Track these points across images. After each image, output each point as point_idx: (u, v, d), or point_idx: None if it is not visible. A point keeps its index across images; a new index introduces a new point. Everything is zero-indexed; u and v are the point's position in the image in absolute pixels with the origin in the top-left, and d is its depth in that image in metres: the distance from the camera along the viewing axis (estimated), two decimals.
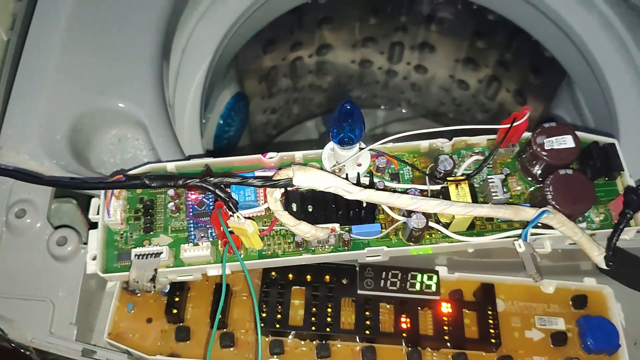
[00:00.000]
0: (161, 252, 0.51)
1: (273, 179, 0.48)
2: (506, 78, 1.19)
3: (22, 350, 0.56)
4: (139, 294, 0.56)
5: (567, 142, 0.53)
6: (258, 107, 1.26)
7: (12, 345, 0.55)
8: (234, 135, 1.07)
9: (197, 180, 0.47)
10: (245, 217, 0.49)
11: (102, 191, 0.53)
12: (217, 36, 0.84)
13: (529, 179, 0.56)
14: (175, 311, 0.54)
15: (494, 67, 1.19)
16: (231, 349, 0.54)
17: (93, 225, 0.54)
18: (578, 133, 0.55)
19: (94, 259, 0.52)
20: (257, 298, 0.55)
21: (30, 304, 0.56)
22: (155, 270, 0.50)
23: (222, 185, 0.49)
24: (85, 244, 0.55)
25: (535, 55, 1.06)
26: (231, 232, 0.49)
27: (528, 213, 0.50)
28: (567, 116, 1.01)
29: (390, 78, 1.32)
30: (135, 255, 0.51)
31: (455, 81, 1.27)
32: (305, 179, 0.47)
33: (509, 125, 0.51)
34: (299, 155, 0.56)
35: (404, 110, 1.40)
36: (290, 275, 0.56)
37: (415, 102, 1.38)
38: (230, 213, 0.48)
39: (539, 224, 0.52)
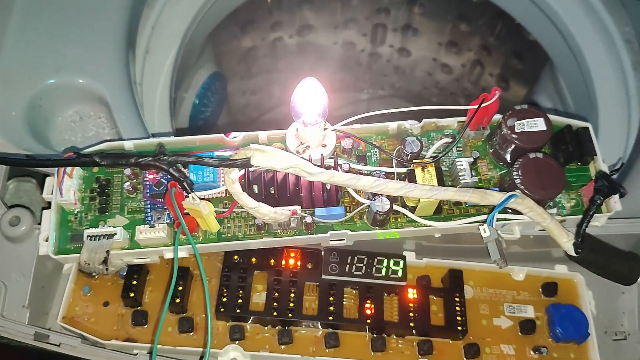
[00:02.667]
0: (114, 234, 0.49)
1: (231, 158, 0.46)
2: (489, 62, 1.17)
3: None
4: (95, 277, 0.54)
5: (538, 125, 0.51)
6: (237, 88, 1.23)
7: None
8: (210, 116, 1.05)
9: (150, 158, 0.45)
10: (201, 198, 0.47)
11: (55, 170, 0.51)
12: (190, 13, 0.82)
13: (500, 163, 0.54)
14: (132, 295, 0.53)
15: (477, 51, 1.17)
16: (190, 333, 0.53)
17: (48, 206, 0.52)
18: (551, 116, 0.53)
19: (47, 240, 0.50)
20: (217, 282, 0.53)
21: None
22: (108, 252, 0.48)
23: (180, 165, 0.47)
24: (40, 224, 0.53)
25: (518, 39, 1.04)
26: (186, 214, 0.47)
27: (495, 197, 0.48)
28: (549, 101, 0.99)
29: (373, 61, 1.29)
30: (87, 236, 0.49)
31: (438, 65, 1.25)
32: (264, 159, 0.45)
33: (476, 106, 0.49)
34: (263, 135, 0.54)
35: (387, 94, 1.38)
36: (253, 259, 0.55)
37: (399, 86, 1.36)
38: (185, 193, 0.46)
39: (509, 209, 0.50)
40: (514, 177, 0.50)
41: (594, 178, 0.52)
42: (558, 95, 0.97)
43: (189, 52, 0.87)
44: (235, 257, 0.55)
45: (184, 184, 0.46)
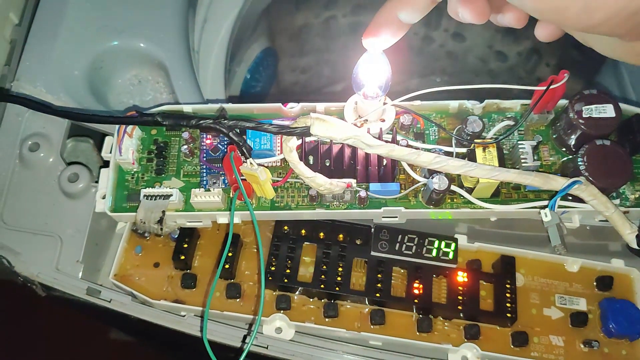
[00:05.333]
0: (171, 195, 0.49)
1: (290, 126, 0.46)
2: (547, 52, 1.14)
3: (29, 285, 0.55)
4: (147, 237, 0.55)
5: (607, 111, 0.49)
6: (288, 65, 1.23)
7: (20, 278, 0.55)
8: (260, 91, 1.05)
9: (211, 121, 0.46)
10: (258, 165, 0.47)
11: (115, 129, 0.51)
12: None
13: (563, 149, 0.53)
14: (182, 257, 0.53)
15: (535, 40, 1.13)
16: (237, 300, 0.53)
17: (106, 165, 0.53)
18: (620, 104, 0.51)
19: (104, 197, 0.51)
20: (267, 250, 0.54)
21: (38, 239, 0.55)
22: (163, 212, 0.49)
23: (237, 130, 0.47)
24: (97, 182, 0.54)
25: None
26: (243, 179, 0.47)
27: (558, 182, 0.47)
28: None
29: (425, 45, 1.27)
30: (144, 195, 0.49)
31: (493, 52, 1.22)
32: (324, 129, 0.45)
33: (545, 87, 0.48)
34: (320, 106, 0.54)
35: (437, 80, 1.36)
36: (303, 231, 0.55)
37: (450, 72, 1.33)
38: (243, 158, 0.46)
39: (569, 196, 0.49)
40: (579, 163, 0.48)
41: None
42: (619, 88, 0.93)
43: (245, 25, 0.87)
44: (286, 227, 0.54)
45: (243, 148, 0.46)
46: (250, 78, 1.01)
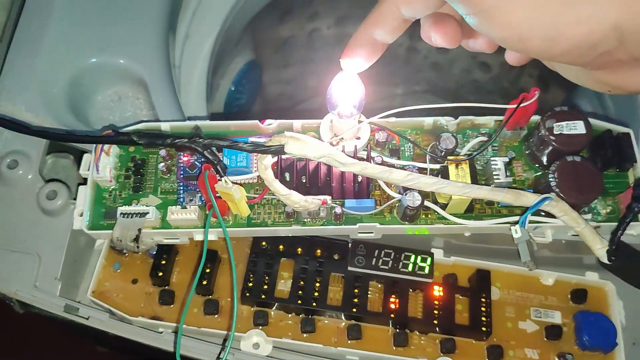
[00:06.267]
0: (147, 212, 0.50)
1: (265, 144, 0.47)
2: (530, 63, 1.14)
3: (6, 302, 0.55)
4: (126, 254, 0.55)
5: (577, 127, 0.50)
6: (272, 77, 1.24)
7: None
8: (245, 104, 1.05)
9: (186, 140, 0.46)
10: (233, 183, 0.47)
11: (93, 147, 0.52)
12: (230, 1, 0.82)
13: (536, 165, 0.53)
14: (160, 274, 0.53)
15: None
16: (215, 316, 0.53)
17: (84, 182, 0.53)
18: (591, 120, 0.52)
19: (81, 215, 0.52)
20: (244, 267, 0.54)
21: (16, 256, 0.55)
22: (139, 230, 0.49)
23: (213, 149, 0.48)
24: (75, 199, 0.54)
25: None
26: (218, 197, 0.48)
27: (529, 198, 0.47)
28: (589, 105, 0.97)
29: (410, 56, 1.28)
30: (121, 213, 0.50)
31: (477, 63, 1.23)
32: (298, 148, 0.46)
33: (515, 106, 0.49)
34: (297, 124, 0.54)
35: (422, 90, 1.37)
36: (281, 247, 0.55)
37: (435, 83, 1.34)
38: (218, 177, 0.47)
39: (542, 212, 0.49)
40: (550, 179, 0.49)
41: (632, 185, 0.51)
42: (599, 99, 0.95)
43: (228, 39, 0.87)
44: (263, 243, 0.55)
45: (218, 167, 0.46)
46: (234, 90, 1.02)
